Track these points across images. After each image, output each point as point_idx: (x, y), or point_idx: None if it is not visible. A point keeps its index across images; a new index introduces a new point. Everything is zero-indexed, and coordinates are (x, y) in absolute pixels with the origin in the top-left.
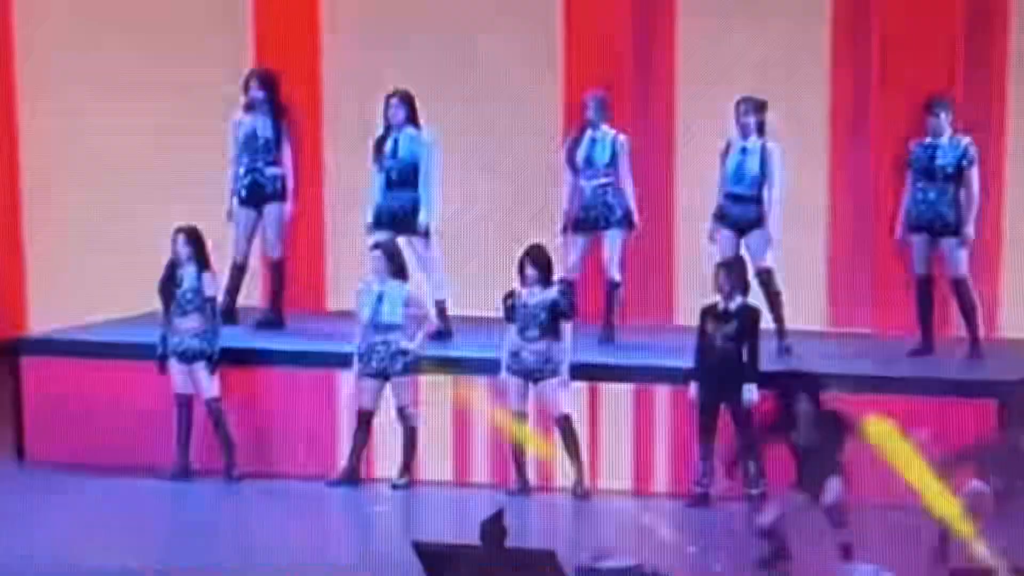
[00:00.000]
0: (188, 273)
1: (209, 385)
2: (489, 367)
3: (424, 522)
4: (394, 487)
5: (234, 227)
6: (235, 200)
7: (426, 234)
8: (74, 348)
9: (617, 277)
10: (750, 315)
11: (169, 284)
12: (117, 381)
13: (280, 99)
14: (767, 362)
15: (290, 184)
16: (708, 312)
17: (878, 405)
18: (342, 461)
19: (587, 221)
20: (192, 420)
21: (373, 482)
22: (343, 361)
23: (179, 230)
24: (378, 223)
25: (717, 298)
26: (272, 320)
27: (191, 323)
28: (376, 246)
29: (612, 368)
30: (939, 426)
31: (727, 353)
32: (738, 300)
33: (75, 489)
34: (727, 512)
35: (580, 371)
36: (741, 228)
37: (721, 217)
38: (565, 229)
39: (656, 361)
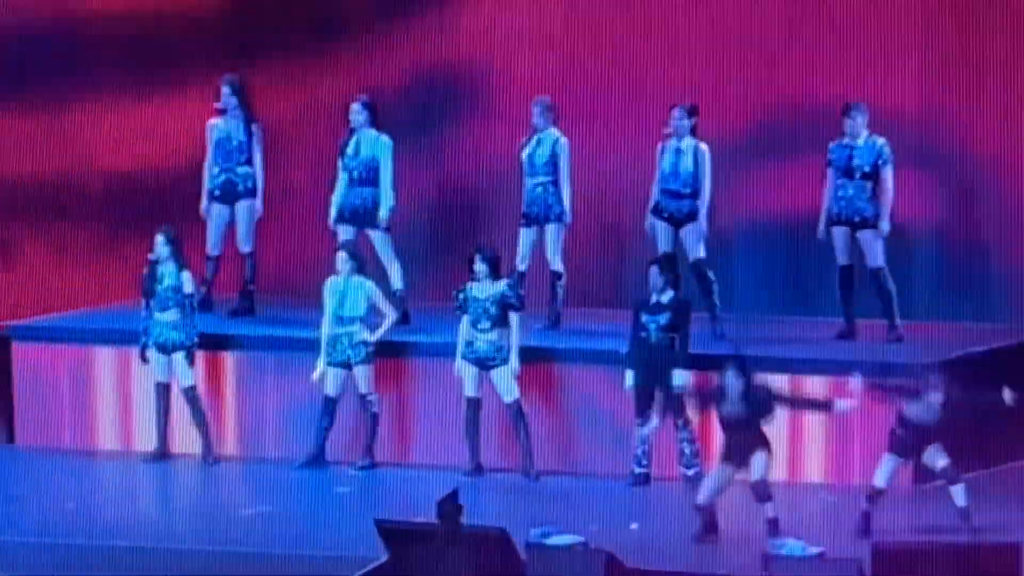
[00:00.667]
0: (168, 271)
1: (187, 374)
2: (443, 351)
3: (384, 502)
4: (357, 469)
5: (209, 223)
6: (208, 197)
7: (386, 228)
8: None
9: (559, 268)
10: (681, 307)
11: (151, 281)
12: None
13: (251, 104)
14: (702, 345)
15: (260, 183)
16: (641, 304)
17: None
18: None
19: (530, 216)
20: (171, 406)
21: (337, 465)
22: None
23: (159, 231)
24: (341, 218)
25: (649, 291)
26: (244, 308)
27: (170, 317)
28: (340, 247)
29: (558, 351)
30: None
31: (660, 342)
32: (669, 293)
33: (62, 470)
34: (665, 491)
35: (529, 354)
36: (677, 221)
37: (658, 211)
38: (520, 224)
39: (597, 345)
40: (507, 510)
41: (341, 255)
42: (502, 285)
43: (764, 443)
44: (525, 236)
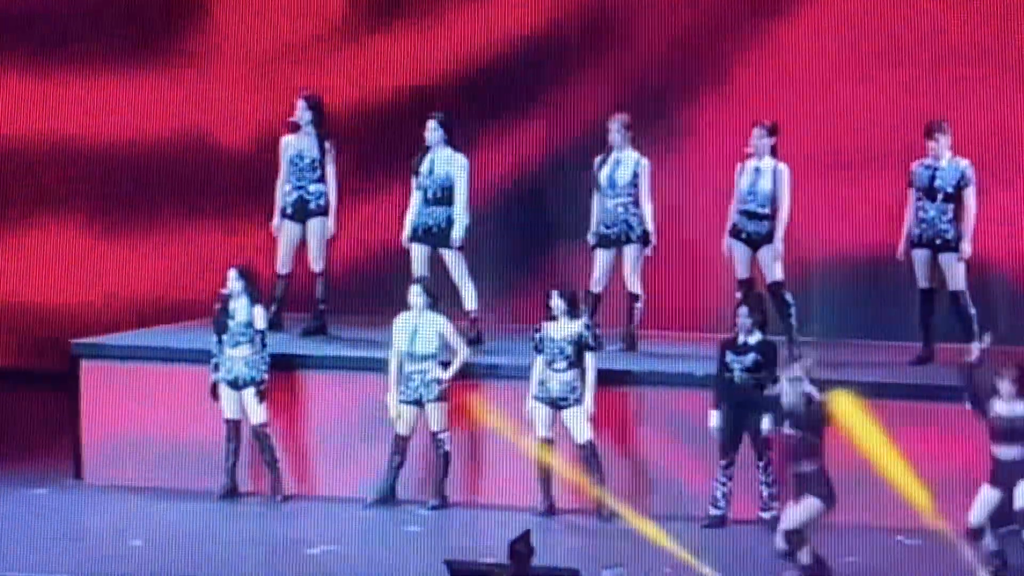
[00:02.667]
0: (241, 306)
1: (256, 411)
2: (517, 373)
3: (456, 542)
4: (428, 508)
5: (280, 240)
6: (281, 215)
7: (459, 248)
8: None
9: (636, 290)
10: (768, 348)
11: (223, 316)
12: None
13: (325, 122)
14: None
15: (332, 201)
16: (727, 345)
17: (882, 410)
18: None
19: (608, 237)
20: (240, 443)
21: (408, 504)
22: None
23: (233, 266)
24: (414, 236)
25: (736, 331)
26: (317, 328)
27: (242, 352)
28: (415, 281)
29: (635, 374)
30: (940, 430)
31: (744, 383)
32: (757, 335)
33: (128, 506)
34: (740, 534)
35: (603, 376)
36: (754, 243)
37: (736, 233)
38: (593, 246)
39: (677, 367)
40: (580, 551)
41: (414, 289)
42: (579, 325)
43: (819, 486)
44: (602, 257)
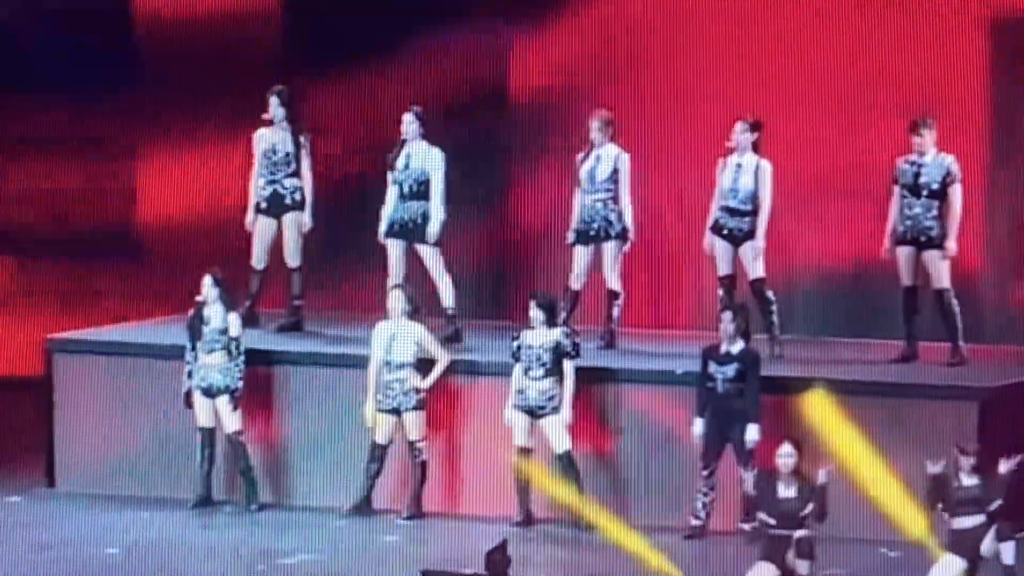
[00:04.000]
0: (215, 313)
1: (231, 419)
2: (496, 369)
3: (433, 551)
4: (404, 518)
5: (255, 235)
6: (255, 210)
7: (435, 244)
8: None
9: (616, 287)
10: (751, 357)
11: (197, 322)
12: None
13: (299, 116)
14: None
15: (308, 195)
16: (710, 353)
17: (864, 409)
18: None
19: (588, 234)
20: (215, 451)
21: (384, 513)
22: None
23: (207, 272)
24: (390, 232)
25: (719, 340)
26: (293, 324)
27: (216, 360)
28: (395, 287)
29: (613, 371)
30: (924, 428)
31: (729, 393)
32: (739, 343)
33: (102, 515)
34: (720, 544)
35: (582, 374)
36: (736, 239)
37: (717, 229)
38: (573, 242)
39: (656, 364)
40: (557, 562)
41: (395, 295)
42: (557, 333)
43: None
44: (581, 254)
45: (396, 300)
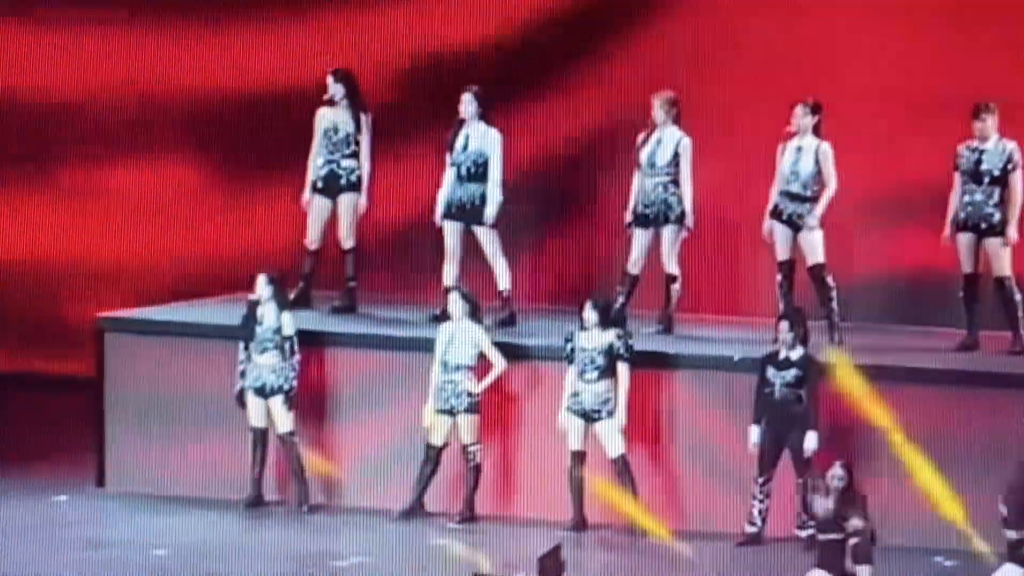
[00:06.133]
0: (268, 312)
1: (284, 419)
2: (551, 354)
3: (485, 556)
4: (457, 522)
5: (310, 215)
6: (311, 189)
7: (492, 226)
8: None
9: (674, 271)
10: (810, 364)
11: (250, 322)
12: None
13: (361, 96)
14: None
15: (365, 177)
16: (769, 360)
17: (927, 397)
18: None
19: (647, 217)
20: (267, 453)
21: (437, 516)
22: None
23: (261, 271)
24: (447, 214)
25: (778, 346)
26: (347, 306)
27: (269, 360)
28: (453, 289)
29: (671, 356)
30: (987, 418)
31: (787, 399)
32: (799, 350)
33: (152, 515)
34: (777, 552)
35: (640, 358)
36: (796, 225)
37: (777, 214)
38: (630, 224)
39: (714, 350)
40: (611, 567)
41: (452, 297)
42: (611, 335)
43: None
44: (640, 238)
45: (454, 302)
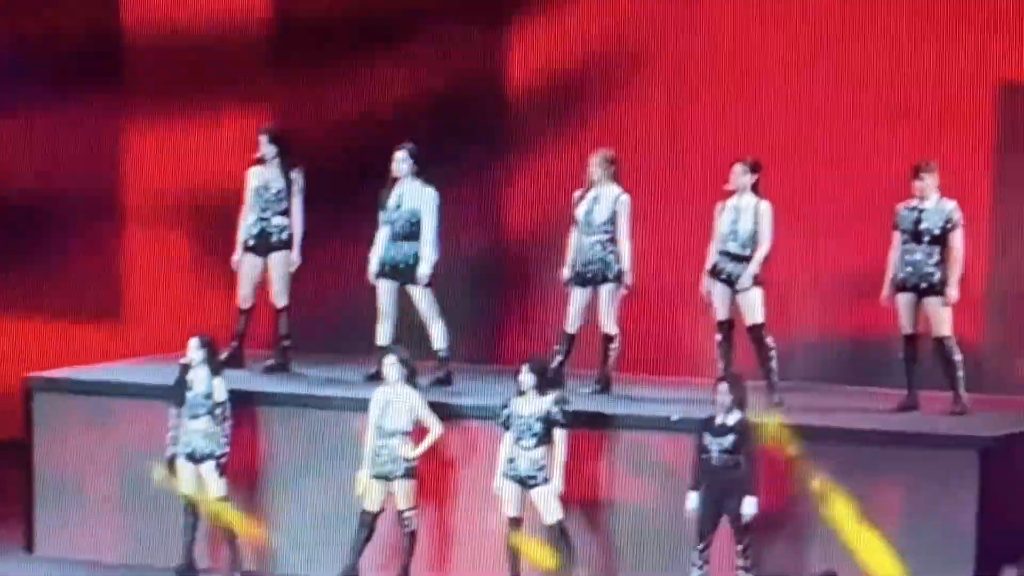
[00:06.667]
0: (200, 377)
1: (216, 485)
2: (488, 414)
3: None
4: None
5: (241, 274)
6: (243, 248)
7: (427, 285)
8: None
9: (611, 330)
10: (748, 428)
11: (181, 386)
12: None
13: (291, 153)
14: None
15: (297, 234)
16: (706, 426)
17: (865, 457)
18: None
19: (585, 276)
20: (198, 519)
21: None
22: None
23: (195, 335)
24: (382, 272)
25: (714, 411)
26: (280, 365)
27: (201, 425)
28: (389, 352)
29: (608, 417)
30: (922, 477)
31: (725, 465)
32: (736, 414)
33: None
34: None
35: (578, 418)
36: (733, 283)
37: (716, 273)
38: (568, 282)
39: (649, 412)
40: None
41: (388, 360)
42: (548, 401)
43: None
44: (578, 296)
45: (390, 366)
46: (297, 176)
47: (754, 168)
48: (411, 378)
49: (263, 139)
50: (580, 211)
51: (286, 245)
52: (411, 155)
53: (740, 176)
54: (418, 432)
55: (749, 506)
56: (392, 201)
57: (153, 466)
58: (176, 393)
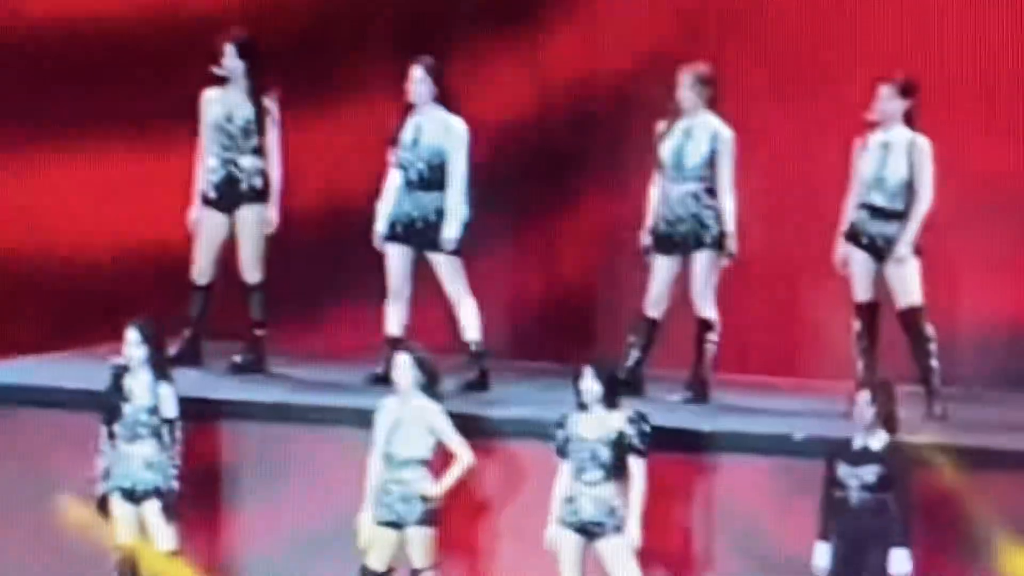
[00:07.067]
0: (140, 382)
1: (163, 534)
2: (537, 431)
3: None
4: None
5: (199, 237)
6: (203, 201)
7: (455, 252)
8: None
9: (709, 315)
10: (898, 457)
11: (115, 396)
12: None
13: (263, 70)
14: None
15: (275, 181)
16: (839, 452)
17: None
18: None
19: (673, 239)
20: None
21: None
22: None
23: (132, 324)
24: (393, 234)
25: (852, 432)
26: (251, 362)
27: (143, 450)
28: (400, 348)
29: (705, 435)
30: None
31: (867, 506)
32: (881, 436)
33: None
34: None
35: (663, 437)
36: (881, 251)
37: (855, 237)
38: (648, 249)
39: (762, 428)
40: None
41: (400, 361)
42: (621, 418)
43: None
44: (662, 267)
45: (403, 370)
46: (271, 103)
47: (905, 91)
48: (431, 385)
49: (228, 50)
50: (665, 150)
51: (260, 197)
52: (430, 73)
53: (887, 101)
54: (441, 460)
55: (900, 563)
56: (407, 136)
57: (73, 507)
58: (107, 406)
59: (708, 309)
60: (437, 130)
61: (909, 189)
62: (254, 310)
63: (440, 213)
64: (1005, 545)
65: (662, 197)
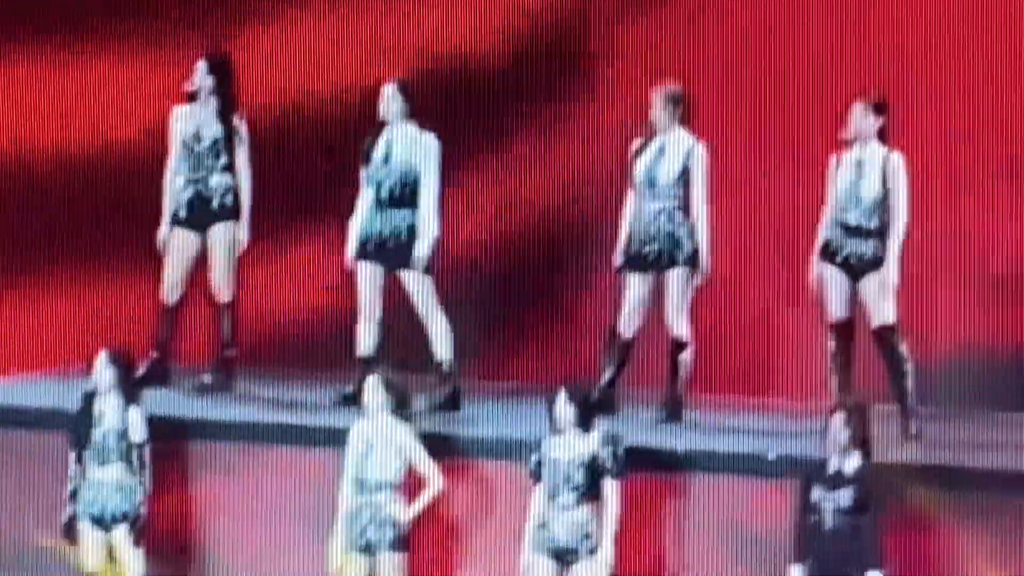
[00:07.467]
0: (110, 408)
1: (133, 559)
2: (509, 452)
3: None
4: None
5: (168, 257)
6: (172, 221)
7: (426, 270)
8: None
9: (683, 333)
10: (873, 479)
11: (84, 421)
12: None
13: (235, 89)
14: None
15: (246, 199)
16: (815, 476)
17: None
18: None
19: (646, 257)
20: None
21: None
22: None
23: (104, 349)
24: (363, 252)
25: (827, 455)
26: (221, 382)
27: (112, 475)
28: (371, 369)
29: (680, 455)
30: None
31: (842, 530)
32: (856, 459)
33: None
34: None
35: (635, 457)
36: (856, 269)
37: (830, 255)
38: (621, 267)
39: (738, 447)
40: None
41: (371, 383)
42: (595, 441)
43: None
44: (635, 285)
45: (372, 392)
46: (240, 121)
47: (879, 108)
48: (401, 407)
49: (200, 67)
50: (639, 168)
51: (231, 215)
52: (402, 90)
53: (861, 119)
54: (413, 483)
55: None
56: (379, 153)
57: (40, 535)
58: (78, 430)
59: (682, 327)
60: (409, 147)
61: (884, 206)
62: (225, 329)
63: (412, 231)
64: (981, 566)
65: (635, 215)
